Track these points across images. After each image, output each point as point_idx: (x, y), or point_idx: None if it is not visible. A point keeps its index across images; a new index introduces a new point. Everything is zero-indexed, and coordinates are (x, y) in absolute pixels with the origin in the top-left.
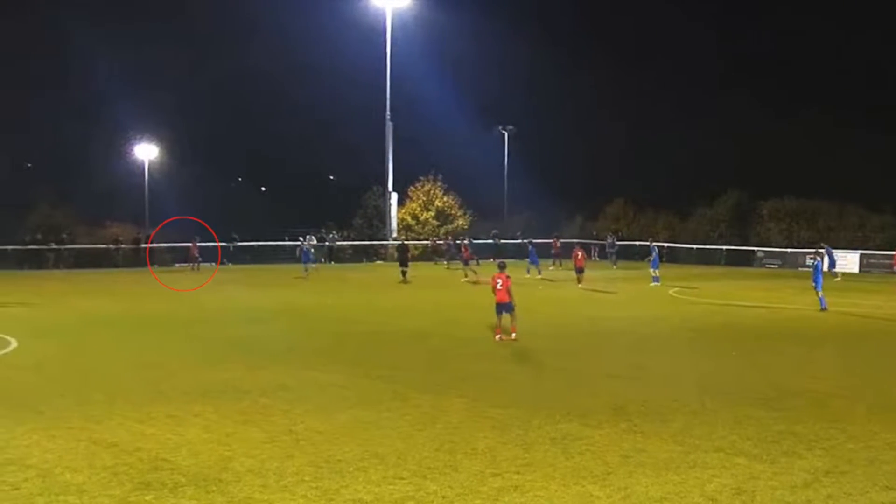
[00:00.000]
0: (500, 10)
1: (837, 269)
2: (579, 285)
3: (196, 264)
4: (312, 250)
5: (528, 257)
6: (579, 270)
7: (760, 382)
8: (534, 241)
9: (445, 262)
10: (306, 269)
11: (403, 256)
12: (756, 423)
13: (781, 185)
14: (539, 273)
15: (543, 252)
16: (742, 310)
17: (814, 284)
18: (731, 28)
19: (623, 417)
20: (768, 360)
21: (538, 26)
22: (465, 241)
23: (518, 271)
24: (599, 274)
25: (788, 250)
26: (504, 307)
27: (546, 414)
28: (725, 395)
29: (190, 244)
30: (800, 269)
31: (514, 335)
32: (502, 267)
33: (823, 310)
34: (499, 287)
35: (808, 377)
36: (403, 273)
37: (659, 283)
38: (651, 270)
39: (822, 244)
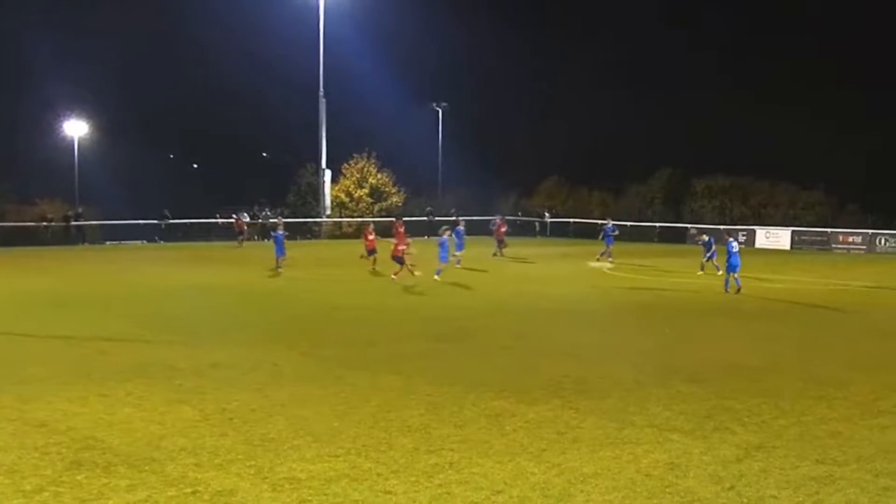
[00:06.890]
0: None
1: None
2: (500, 254)
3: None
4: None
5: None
6: (500, 241)
7: (693, 359)
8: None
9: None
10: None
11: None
12: (689, 399)
13: (714, 162)
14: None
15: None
16: (675, 286)
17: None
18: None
19: (558, 394)
20: (701, 336)
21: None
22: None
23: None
24: (536, 251)
25: (721, 227)
26: None
27: (481, 391)
28: (659, 371)
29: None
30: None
31: None
32: None
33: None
34: None
35: (741, 353)
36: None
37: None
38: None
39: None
